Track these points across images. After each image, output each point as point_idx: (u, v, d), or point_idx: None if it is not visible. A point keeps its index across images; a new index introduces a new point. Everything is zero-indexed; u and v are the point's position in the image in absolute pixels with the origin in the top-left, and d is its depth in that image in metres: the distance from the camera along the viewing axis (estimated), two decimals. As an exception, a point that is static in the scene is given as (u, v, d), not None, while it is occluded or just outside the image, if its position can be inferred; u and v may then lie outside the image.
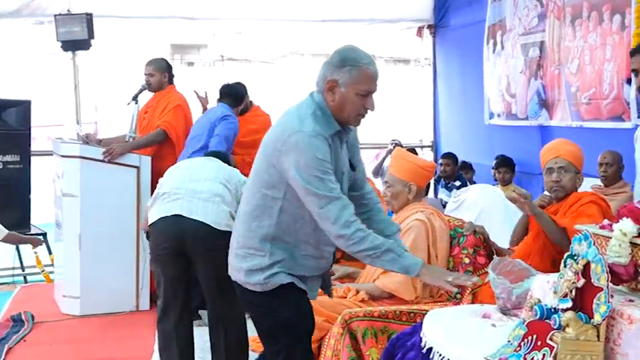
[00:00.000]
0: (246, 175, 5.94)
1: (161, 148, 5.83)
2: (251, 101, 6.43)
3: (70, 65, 7.32)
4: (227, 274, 3.10)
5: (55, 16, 6.88)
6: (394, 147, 8.91)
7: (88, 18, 6.84)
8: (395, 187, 4.08)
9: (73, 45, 7.00)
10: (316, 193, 2.66)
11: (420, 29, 8.35)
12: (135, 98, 5.98)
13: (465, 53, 7.61)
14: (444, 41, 8.14)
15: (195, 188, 4.00)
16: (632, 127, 5.07)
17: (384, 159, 7.98)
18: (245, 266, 2.83)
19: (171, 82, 6.18)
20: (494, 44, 6.91)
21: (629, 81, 5.05)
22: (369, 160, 9.08)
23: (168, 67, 6.18)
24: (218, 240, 3.67)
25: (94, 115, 11.20)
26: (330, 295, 3.34)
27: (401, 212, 4.06)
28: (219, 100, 5.99)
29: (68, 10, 6.95)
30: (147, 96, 6.24)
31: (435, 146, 8.61)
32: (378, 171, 8.05)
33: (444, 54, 8.29)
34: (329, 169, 2.69)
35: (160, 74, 6.06)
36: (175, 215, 3.92)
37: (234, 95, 6.01)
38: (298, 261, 2.83)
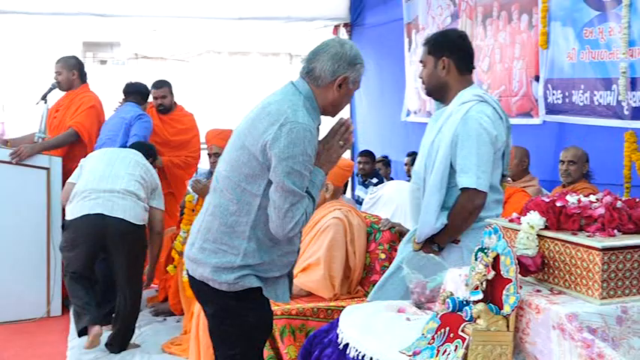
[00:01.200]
0: (177, 175, 5.98)
1: (72, 149, 5.69)
2: (175, 102, 6.37)
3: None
4: (138, 260, 4.71)
5: (-43, 12, 6.62)
6: None
7: (-7, 14, 6.62)
8: None
9: (-24, 42, 6.75)
10: (292, 189, 2.57)
11: (337, 28, 8.40)
12: (44, 97, 5.82)
13: (382, 51, 7.68)
14: (361, 40, 8.20)
15: (113, 188, 4.63)
16: (540, 123, 5.24)
17: None
18: (213, 262, 2.68)
19: (83, 80, 6.04)
20: (410, 42, 7.01)
21: (537, 78, 5.21)
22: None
23: (78, 65, 6.03)
24: (136, 233, 4.65)
25: (1, 115, 10.78)
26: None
27: (318, 210, 4.07)
28: (126, 99, 5.89)
29: (-29, 7, 6.69)
30: (58, 95, 6.08)
31: (352, 144, 8.67)
32: None
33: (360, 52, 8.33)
34: (310, 167, 2.64)
35: (68, 72, 5.92)
36: (97, 214, 4.55)
37: (141, 93, 5.95)
38: (275, 262, 2.74)
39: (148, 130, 5.70)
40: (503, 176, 3.29)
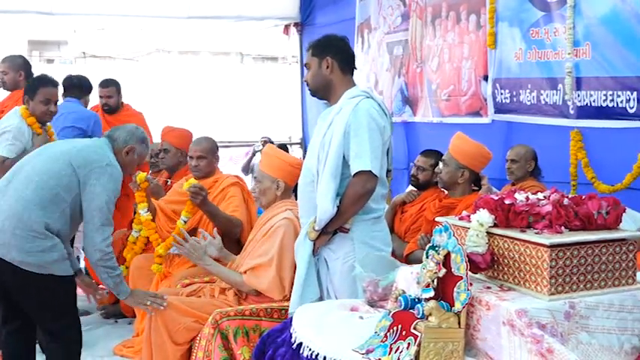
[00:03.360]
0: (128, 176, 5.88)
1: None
2: (122, 101, 6.29)
3: None
4: None
5: None
6: (264, 144, 8.93)
7: None
8: (263, 183, 4.07)
9: None
10: None
11: (287, 27, 8.38)
12: (-11, 97, 5.68)
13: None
14: (311, 39, 8.19)
15: None
16: (489, 122, 5.32)
17: (252, 156, 7.98)
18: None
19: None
20: (362, 42, 7.05)
21: (485, 78, 5.29)
22: (239, 158, 9.06)
23: (25, 65, 5.90)
24: None
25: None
26: None
27: (269, 209, 4.05)
28: (65, 94, 5.80)
29: None
30: (2, 94, 5.95)
31: (304, 143, 8.68)
32: (247, 168, 8.04)
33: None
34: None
35: (15, 72, 5.79)
36: None
37: (81, 87, 5.91)
38: None
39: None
40: (389, 171, 3.48)
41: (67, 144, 3.77)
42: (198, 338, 3.66)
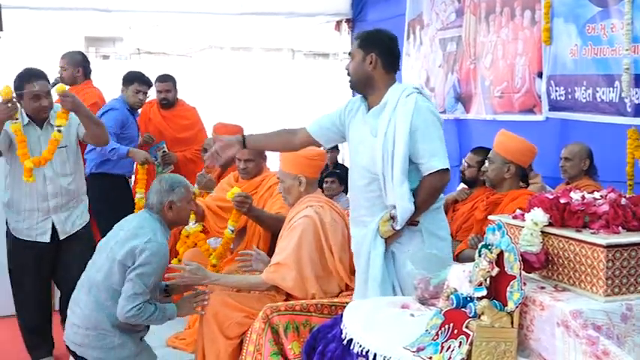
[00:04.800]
0: (191, 170, 5.94)
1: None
2: (177, 97, 6.39)
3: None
4: None
5: (-39, 7, 6.59)
6: None
7: (-4, 9, 6.59)
8: (285, 182, 4.09)
9: (-21, 37, 6.72)
10: None
11: (339, 23, 8.39)
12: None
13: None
14: (362, 34, 8.21)
15: None
16: (542, 120, 5.24)
17: None
18: None
19: (87, 76, 6.06)
20: (415, 39, 7.01)
21: (539, 75, 5.21)
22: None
23: (83, 61, 6.04)
24: None
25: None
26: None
27: (295, 206, 4.05)
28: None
29: (-26, 1, 6.67)
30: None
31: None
32: None
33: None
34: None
35: (73, 68, 5.93)
36: None
37: (123, 78, 6.00)
38: None
39: (112, 122, 5.64)
40: None
41: (115, 236, 3.89)
42: (249, 332, 3.70)
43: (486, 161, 4.27)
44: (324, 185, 6.76)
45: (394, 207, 3.29)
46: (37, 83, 4.30)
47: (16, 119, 4.27)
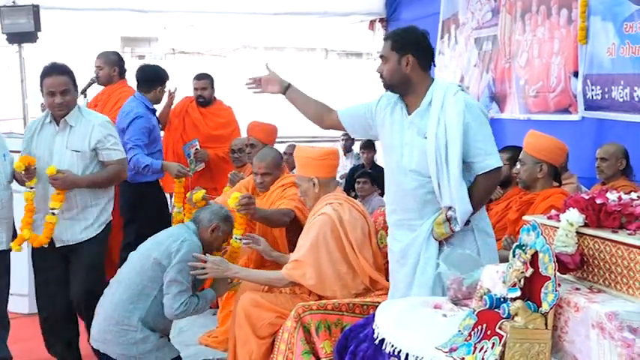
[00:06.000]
0: (222, 169, 5.95)
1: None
2: (214, 96, 6.43)
3: (16, 58, 7.15)
4: None
5: (0, 7, 6.71)
6: (345, 140, 8.96)
7: (35, 10, 6.65)
8: (302, 185, 4.09)
9: (18, 37, 6.81)
10: None
11: (372, 23, 8.38)
12: (84, 92, 5.90)
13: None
14: (396, 34, 8.18)
15: None
16: (578, 120, 5.18)
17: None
18: None
19: (122, 76, 6.11)
20: (449, 38, 6.97)
21: (575, 74, 5.15)
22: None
23: (119, 61, 6.10)
24: None
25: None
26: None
27: (315, 206, 4.04)
28: (137, 87, 5.84)
29: (13, 2, 6.76)
30: (97, 89, 6.16)
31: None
32: None
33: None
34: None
35: (109, 68, 5.99)
36: None
37: (147, 80, 5.79)
38: None
39: (143, 129, 5.57)
40: None
41: (152, 239, 4.04)
42: (280, 331, 3.70)
43: (518, 163, 4.23)
44: (357, 186, 6.76)
45: (449, 208, 3.25)
46: (54, 78, 4.17)
47: (31, 188, 4.22)
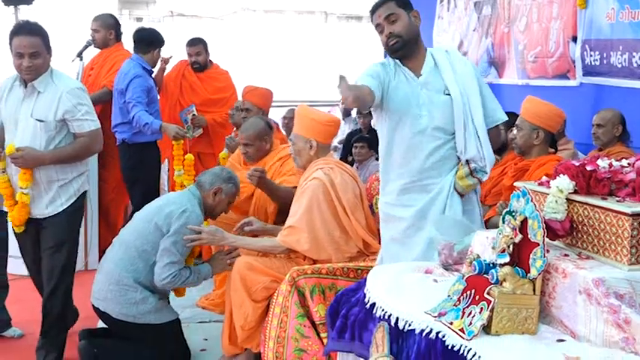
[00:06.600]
0: (220, 134, 5.95)
1: (106, 107, 5.74)
2: (210, 60, 6.39)
3: (13, 20, 7.09)
4: None
5: (-3, -31, 6.64)
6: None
7: (32, -29, 6.62)
8: (297, 144, 4.10)
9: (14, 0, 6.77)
10: None
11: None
12: (80, 55, 5.89)
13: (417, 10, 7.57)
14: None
15: None
16: (576, 85, 5.15)
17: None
18: None
19: (118, 39, 6.08)
20: (449, 2, 6.89)
21: (574, 39, 5.10)
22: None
23: (116, 24, 6.07)
24: None
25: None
26: None
27: (306, 171, 4.07)
28: (134, 48, 5.85)
29: (10, -36, 6.70)
30: (93, 52, 6.14)
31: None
32: None
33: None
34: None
35: (106, 31, 5.96)
36: None
37: (144, 41, 5.82)
38: None
39: (141, 87, 5.59)
40: None
41: (156, 202, 4.10)
42: (275, 295, 3.74)
43: (514, 128, 4.22)
44: (354, 150, 6.75)
45: (467, 161, 3.32)
46: (23, 38, 3.79)
47: (3, 170, 3.98)
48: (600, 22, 4.83)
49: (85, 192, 4.15)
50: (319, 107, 9.34)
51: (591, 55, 4.95)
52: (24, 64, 3.81)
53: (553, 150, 4.22)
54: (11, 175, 4.02)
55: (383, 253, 3.57)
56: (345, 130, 8.44)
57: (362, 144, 6.68)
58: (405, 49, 3.33)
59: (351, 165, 7.03)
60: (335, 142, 8.28)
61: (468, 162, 3.32)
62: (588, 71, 5.02)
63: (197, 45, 6.27)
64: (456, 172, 3.34)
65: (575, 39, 5.10)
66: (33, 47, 3.79)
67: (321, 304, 3.61)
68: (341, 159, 7.47)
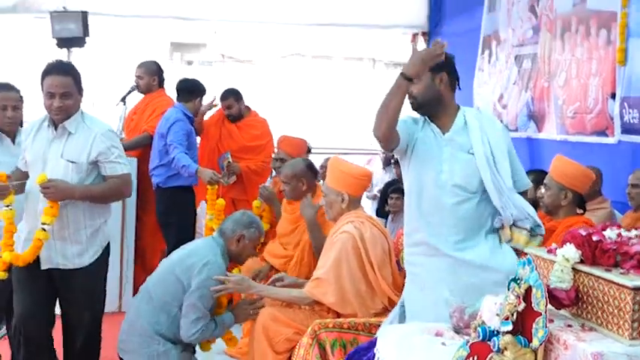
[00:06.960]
0: (254, 182, 6.06)
1: (145, 151, 5.87)
2: (247, 106, 6.49)
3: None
4: None
5: (51, 13, 6.92)
6: (385, 154, 8.95)
7: (84, 15, 6.88)
8: (329, 196, 4.10)
9: (68, 42, 7.02)
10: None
11: (415, 36, 8.34)
12: (123, 99, 6.05)
13: (458, 61, 7.59)
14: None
15: None
16: (615, 143, 5.07)
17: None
18: None
19: (161, 85, 6.24)
20: (490, 55, 6.90)
21: (613, 96, 5.05)
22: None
23: (159, 71, 6.24)
24: None
25: (92, 112, 11.24)
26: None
27: (337, 223, 4.07)
28: (177, 97, 6.00)
29: (64, 8, 6.99)
30: (138, 97, 6.31)
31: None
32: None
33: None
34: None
35: (149, 77, 6.13)
36: None
37: (186, 90, 5.97)
38: None
39: (182, 131, 5.70)
40: None
41: (181, 250, 4.10)
42: (297, 347, 3.74)
43: (542, 187, 4.17)
44: (389, 201, 6.74)
45: (511, 226, 3.23)
46: (55, 78, 3.73)
47: (8, 206, 3.80)
48: (639, 79, 4.77)
49: (109, 243, 4.04)
50: (359, 155, 9.39)
51: (630, 113, 4.89)
52: (54, 105, 3.72)
53: (581, 211, 4.15)
54: (29, 212, 3.84)
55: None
56: (385, 178, 8.45)
57: (397, 195, 6.67)
58: (423, 109, 3.33)
59: (387, 215, 7.04)
60: (374, 190, 8.28)
61: (513, 226, 3.22)
62: (627, 129, 4.94)
63: (228, 99, 6.30)
64: (508, 240, 3.25)
65: (613, 96, 5.04)
66: (64, 87, 3.73)
67: (342, 358, 3.59)
68: (378, 209, 7.48)
